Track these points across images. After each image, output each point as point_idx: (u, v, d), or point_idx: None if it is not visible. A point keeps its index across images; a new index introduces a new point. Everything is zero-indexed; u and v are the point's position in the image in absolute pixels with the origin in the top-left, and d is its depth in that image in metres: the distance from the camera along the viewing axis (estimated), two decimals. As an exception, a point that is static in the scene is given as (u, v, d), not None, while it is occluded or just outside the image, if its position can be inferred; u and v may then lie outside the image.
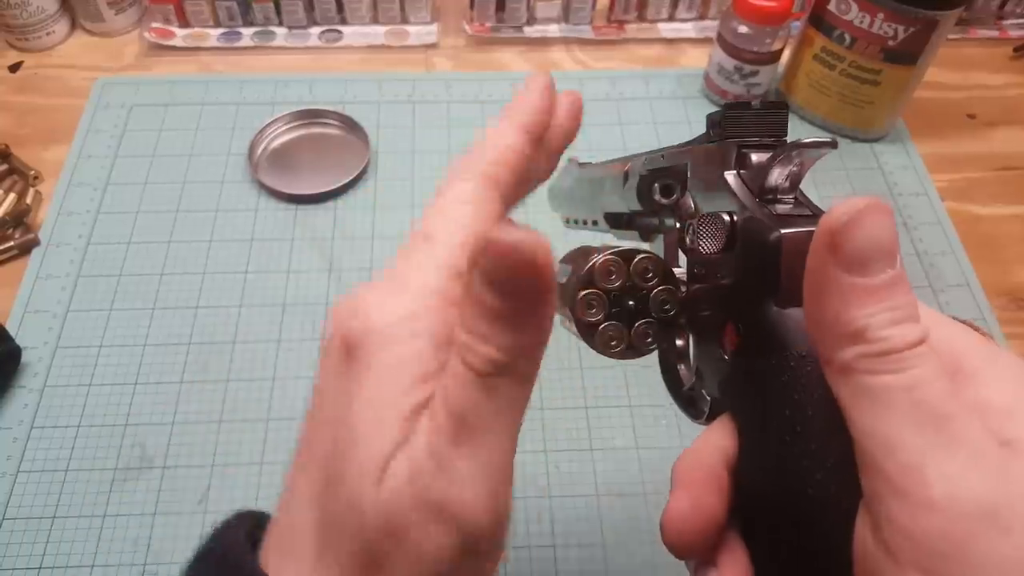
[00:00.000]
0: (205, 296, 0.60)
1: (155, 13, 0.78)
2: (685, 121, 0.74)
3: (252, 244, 0.63)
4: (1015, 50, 0.82)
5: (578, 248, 0.31)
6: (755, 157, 0.25)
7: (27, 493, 0.50)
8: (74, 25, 0.80)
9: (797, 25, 0.73)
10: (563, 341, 0.58)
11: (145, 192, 0.67)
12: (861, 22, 0.65)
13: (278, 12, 0.79)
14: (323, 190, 0.66)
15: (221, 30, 0.80)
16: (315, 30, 0.80)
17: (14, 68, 0.77)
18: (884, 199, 0.73)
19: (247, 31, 0.80)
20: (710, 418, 0.27)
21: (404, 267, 0.24)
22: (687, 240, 0.27)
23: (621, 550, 0.49)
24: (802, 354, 0.21)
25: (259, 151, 0.70)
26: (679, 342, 0.29)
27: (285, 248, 0.63)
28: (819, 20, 0.68)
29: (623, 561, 0.49)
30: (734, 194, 0.25)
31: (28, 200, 0.65)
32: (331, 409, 0.22)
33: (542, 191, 0.46)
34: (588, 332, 0.27)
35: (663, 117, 0.74)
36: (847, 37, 0.67)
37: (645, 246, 0.29)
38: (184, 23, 0.79)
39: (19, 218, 0.63)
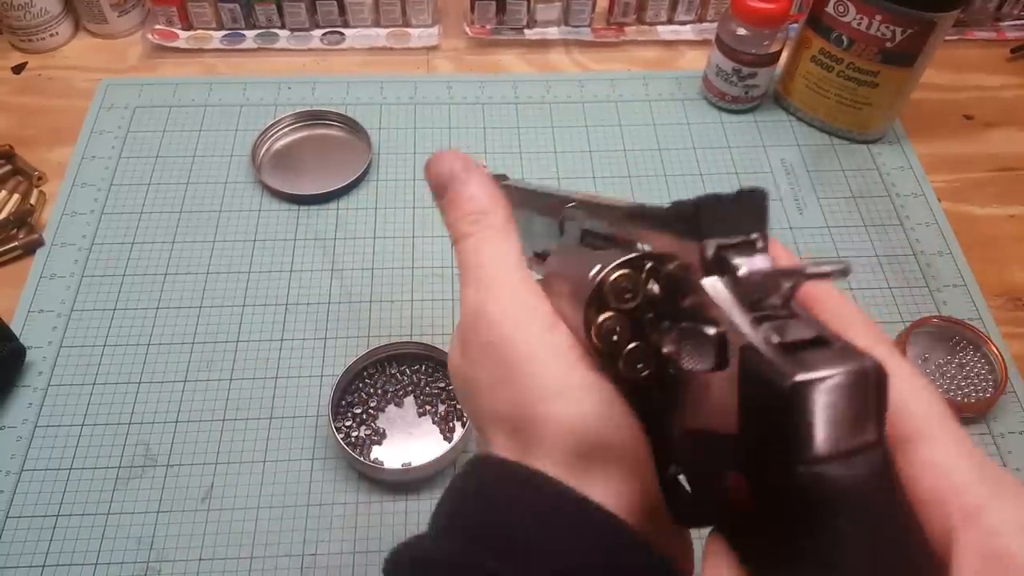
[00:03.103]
0: (208, 296, 0.61)
1: (158, 15, 0.79)
2: (684, 122, 0.75)
3: (255, 244, 0.64)
4: (1012, 51, 0.83)
5: (552, 251, 0.29)
6: (743, 269, 0.20)
7: (31, 492, 0.51)
8: (78, 27, 0.81)
9: (795, 27, 0.73)
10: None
11: (149, 193, 0.67)
12: (859, 24, 0.65)
13: (280, 14, 0.79)
14: (325, 191, 0.67)
15: (224, 32, 0.80)
16: (317, 32, 0.81)
17: (18, 69, 0.77)
18: (881, 200, 0.73)
19: (250, 33, 0.80)
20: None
21: (486, 262, 0.28)
22: (664, 348, 0.23)
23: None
24: (843, 529, 0.17)
25: (262, 152, 0.70)
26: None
27: (288, 248, 0.64)
28: (817, 22, 0.69)
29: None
30: (716, 307, 0.20)
31: (32, 201, 0.65)
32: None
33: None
34: (610, 360, 0.24)
35: (662, 119, 0.75)
36: (845, 39, 0.67)
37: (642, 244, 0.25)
38: (187, 25, 0.80)
39: (23, 218, 0.64)
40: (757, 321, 0.19)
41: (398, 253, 0.64)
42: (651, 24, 0.83)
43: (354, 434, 0.53)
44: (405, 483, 0.52)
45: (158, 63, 0.78)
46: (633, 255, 0.24)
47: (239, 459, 0.53)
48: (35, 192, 0.66)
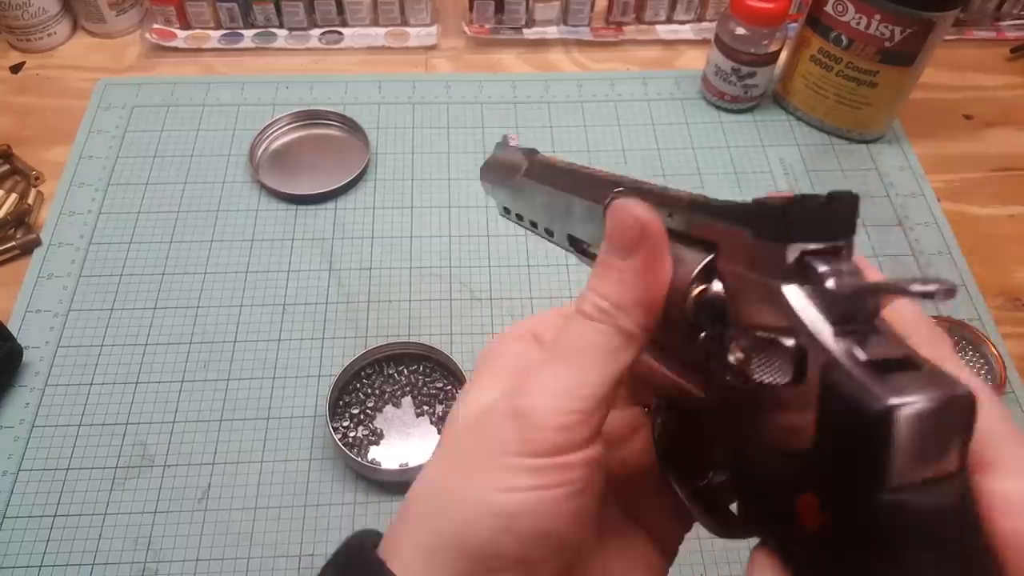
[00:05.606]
0: (206, 296, 0.60)
1: (156, 14, 0.79)
2: (683, 122, 0.74)
3: (253, 244, 0.64)
4: (1012, 51, 0.83)
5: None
6: (830, 281, 0.19)
7: (28, 492, 0.51)
8: (75, 26, 0.81)
9: (794, 27, 0.73)
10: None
11: (146, 192, 0.67)
12: (858, 23, 0.65)
13: (279, 14, 0.79)
14: (323, 190, 0.66)
15: (222, 31, 0.80)
16: (315, 32, 0.80)
17: (16, 69, 0.77)
18: (881, 199, 0.72)
19: (248, 32, 0.80)
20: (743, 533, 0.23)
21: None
22: (729, 357, 0.21)
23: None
24: (920, 560, 0.17)
25: (260, 152, 0.70)
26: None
27: (285, 248, 0.64)
28: (816, 21, 0.68)
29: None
30: (797, 319, 0.19)
31: (30, 200, 0.65)
32: None
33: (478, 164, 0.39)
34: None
35: (661, 118, 0.75)
36: (844, 38, 0.67)
37: None
38: (185, 24, 0.79)
39: (21, 218, 0.63)
40: (840, 335, 0.18)
41: (396, 253, 0.64)
42: (650, 23, 0.83)
43: (352, 434, 0.53)
44: (403, 484, 0.52)
45: (156, 63, 0.78)
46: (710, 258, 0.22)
47: (236, 459, 0.52)
48: (32, 192, 0.66)
